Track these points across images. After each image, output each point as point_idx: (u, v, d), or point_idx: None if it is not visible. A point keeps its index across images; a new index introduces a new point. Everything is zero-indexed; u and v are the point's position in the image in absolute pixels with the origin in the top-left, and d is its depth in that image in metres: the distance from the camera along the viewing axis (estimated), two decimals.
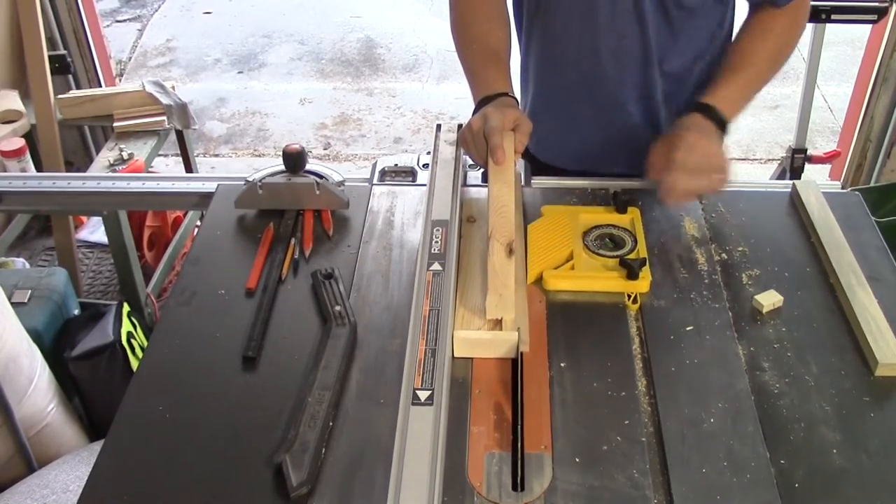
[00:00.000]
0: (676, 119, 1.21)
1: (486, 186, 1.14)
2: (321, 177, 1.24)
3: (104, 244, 2.74)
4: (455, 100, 3.98)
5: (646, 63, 1.29)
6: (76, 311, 1.87)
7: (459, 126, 1.31)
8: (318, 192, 1.23)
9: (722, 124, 1.17)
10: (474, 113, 1.20)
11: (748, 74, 1.22)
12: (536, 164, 1.44)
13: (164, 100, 2.45)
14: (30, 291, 1.77)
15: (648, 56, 1.28)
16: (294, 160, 1.23)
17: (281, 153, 1.24)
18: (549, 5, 1.28)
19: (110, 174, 1.93)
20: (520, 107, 1.47)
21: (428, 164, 1.32)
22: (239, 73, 4.34)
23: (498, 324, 0.97)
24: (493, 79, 1.23)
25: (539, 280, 1.10)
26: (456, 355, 0.97)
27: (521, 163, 1.33)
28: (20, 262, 2.51)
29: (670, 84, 1.33)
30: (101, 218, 2.38)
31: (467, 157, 1.28)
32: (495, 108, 1.15)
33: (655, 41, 1.27)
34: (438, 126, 1.35)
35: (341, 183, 1.26)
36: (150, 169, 2.39)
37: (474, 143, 1.15)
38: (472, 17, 1.29)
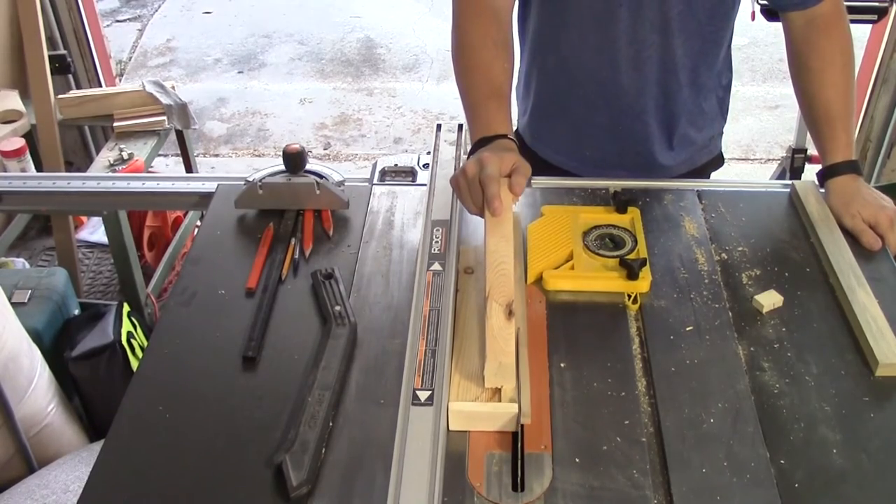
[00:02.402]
0: (824, 181, 1.24)
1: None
2: (321, 177, 1.24)
3: (104, 244, 2.74)
4: (455, 100, 3.96)
5: (666, 73, 1.29)
6: (76, 311, 1.87)
7: (460, 126, 1.30)
8: (318, 192, 1.23)
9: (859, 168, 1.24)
10: (470, 153, 1.13)
11: (849, 108, 1.23)
12: (545, 166, 1.44)
13: (164, 100, 2.45)
14: (30, 291, 1.77)
15: (670, 66, 1.28)
16: (294, 160, 1.23)
17: (281, 153, 1.24)
18: (566, 16, 1.26)
19: (110, 174, 1.93)
20: (520, 111, 1.47)
21: (428, 164, 1.32)
22: (239, 73, 4.34)
23: (497, 393, 0.89)
24: (492, 118, 1.15)
25: (539, 280, 1.10)
26: (451, 428, 0.89)
27: None
28: (20, 262, 2.51)
29: (693, 95, 1.34)
30: (101, 218, 2.38)
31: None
32: (492, 153, 1.06)
33: (685, 53, 1.27)
34: (438, 126, 1.35)
35: (341, 183, 1.26)
36: (150, 169, 2.39)
37: (469, 191, 1.06)
38: (478, 42, 1.19)
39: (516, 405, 0.88)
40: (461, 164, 1.13)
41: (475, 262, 1.10)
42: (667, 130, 1.37)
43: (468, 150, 1.15)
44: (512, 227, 1.03)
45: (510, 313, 0.93)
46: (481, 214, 1.06)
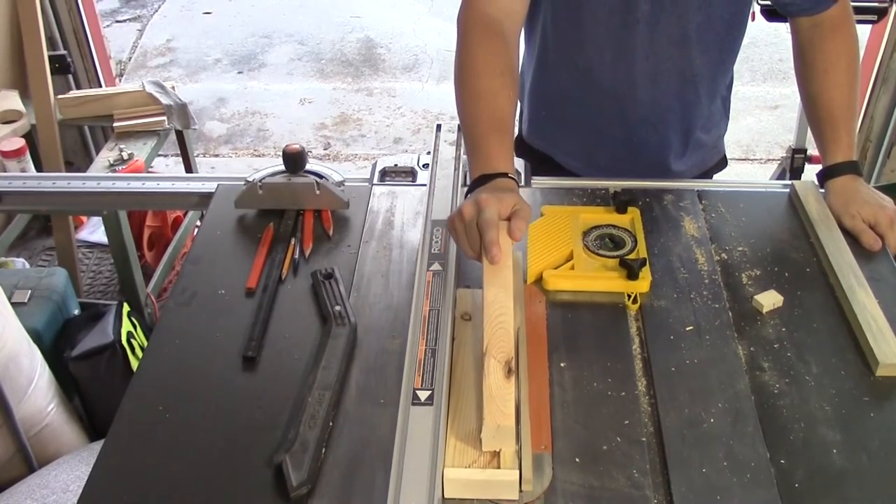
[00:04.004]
0: (824, 181, 1.24)
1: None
2: (321, 177, 1.24)
3: (104, 244, 2.74)
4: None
5: (684, 85, 1.29)
6: (76, 311, 1.87)
7: (460, 126, 1.30)
8: (318, 192, 1.23)
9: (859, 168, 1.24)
10: (468, 192, 1.06)
11: (851, 109, 1.24)
12: (550, 164, 1.44)
13: (164, 100, 2.45)
14: (30, 291, 1.76)
15: (688, 78, 1.28)
16: (294, 160, 1.23)
17: (281, 153, 1.24)
18: (581, 32, 1.24)
19: (110, 174, 1.93)
20: (524, 116, 1.46)
21: (428, 164, 1.32)
22: (239, 73, 4.34)
23: (495, 456, 0.82)
24: (494, 154, 1.06)
25: (539, 280, 1.10)
26: (447, 496, 0.83)
27: (520, 161, 1.33)
28: (20, 262, 2.51)
29: (708, 103, 1.34)
30: (101, 218, 2.38)
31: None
32: (491, 195, 0.99)
33: (703, 64, 1.27)
34: (438, 126, 1.35)
35: (341, 183, 1.26)
36: (150, 169, 2.39)
37: (466, 236, 0.99)
38: (484, 68, 1.11)
39: (517, 472, 0.81)
40: (458, 204, 1.05)
41: (473, 307, 1.02)
42: (683, 139, 1.37)
43: (467, 187, 1.08)
44: (512, 275, 0.95)
45: (510, 371, 0.85)
46: (479, 260, 0.99)
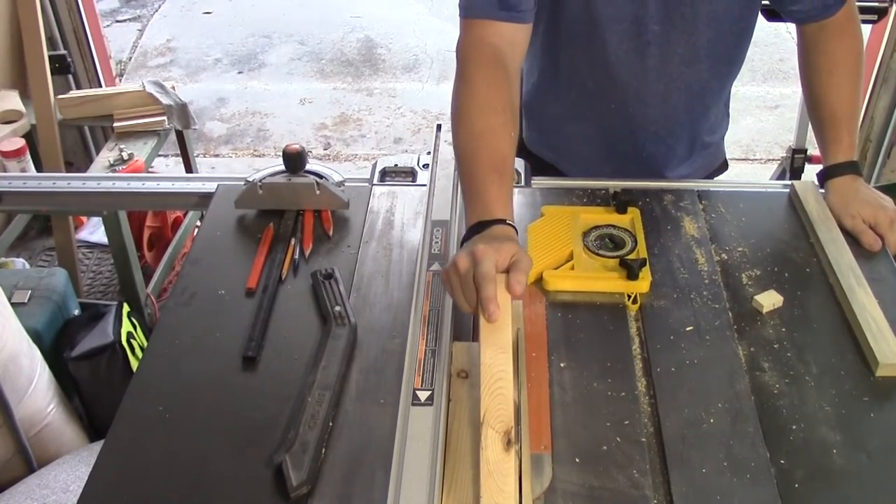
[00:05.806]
0: (825, 182, 1.24)
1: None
2: (321, 177, 1.24)
3: (104, 244, 2.74)
4: None
5: (693, 100, 1.29)
6: (76, 312, 1.87)
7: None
8: (318, 192, 1.23)
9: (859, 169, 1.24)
10: (464, 240, 0.99)
11: (854, 111, 1.23)
12: (551, 168, 1.43)
13: (164, 100, 2.45)
14: (30, 291, 1.76)
15: (697, 93, 1.28)
16: (294, 160, 1.23)
17: (281, 153, 1.24)
18: (594, 55, 1.23)
19: (110, 174, 1.93)
20: (527, 127, 1.46)
21: (428, 164, 1.32)
22: (239, 73, 4.34)
23: None
24: (493, 198, 0.99)
25: (539, 280, 1.10)
26: None
27: (520, 161, 1.33)
28: (20, 262, 2.51)
29: (719, 112, 1.35)
30: (101, 218, 2.38)
31: None
32: (488, 245, 0.91)
33: (712, 77, 1.27)
34: (439, 126, 1.35)
35: (341, 183, 1.26)
36: (150, 169, 2.39)
37: (462, 289, 0.91)
38: (485, 103, 1.05)
39: None
40: (452, 256, 0.98)
41: (470, 363, 0.95)
42: (689, 147, 1.38)
43: (462, 235, 1.02)
44: (511, 334, 0.88)
45: (509, 442, 0.78)
46: (475, 313, 0.91)
